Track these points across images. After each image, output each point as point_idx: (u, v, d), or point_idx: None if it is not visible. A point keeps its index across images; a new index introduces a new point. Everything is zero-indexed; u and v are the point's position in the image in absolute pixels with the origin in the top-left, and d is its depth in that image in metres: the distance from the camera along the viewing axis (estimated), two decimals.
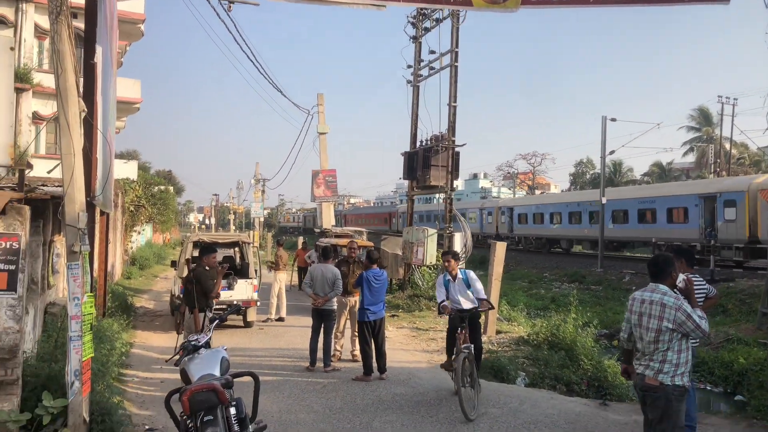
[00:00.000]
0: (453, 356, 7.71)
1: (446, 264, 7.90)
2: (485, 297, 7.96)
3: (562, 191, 65.73)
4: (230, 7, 13.27)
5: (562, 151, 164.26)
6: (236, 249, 15.88)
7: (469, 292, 7.73)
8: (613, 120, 30.36)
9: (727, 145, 45.92)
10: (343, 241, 15.91)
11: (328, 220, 28.34)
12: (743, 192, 23.18)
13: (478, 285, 7.78)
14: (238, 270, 13.83)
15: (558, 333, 10.62)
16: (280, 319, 13.76)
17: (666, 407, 4.29)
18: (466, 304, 7.70)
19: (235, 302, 11.59)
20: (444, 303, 7.77)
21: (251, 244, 15.58)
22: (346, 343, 9.94)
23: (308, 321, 9.47)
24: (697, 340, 5.68)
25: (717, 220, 24.15)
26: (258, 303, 12.65)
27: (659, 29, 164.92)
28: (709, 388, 10.83)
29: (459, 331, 7.50)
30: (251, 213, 60.03)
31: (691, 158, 53.39)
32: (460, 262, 9.02)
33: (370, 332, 8.52)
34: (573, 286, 24.80)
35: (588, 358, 9.90)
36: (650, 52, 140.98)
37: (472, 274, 7.88)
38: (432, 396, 7.66)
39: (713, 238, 24.19)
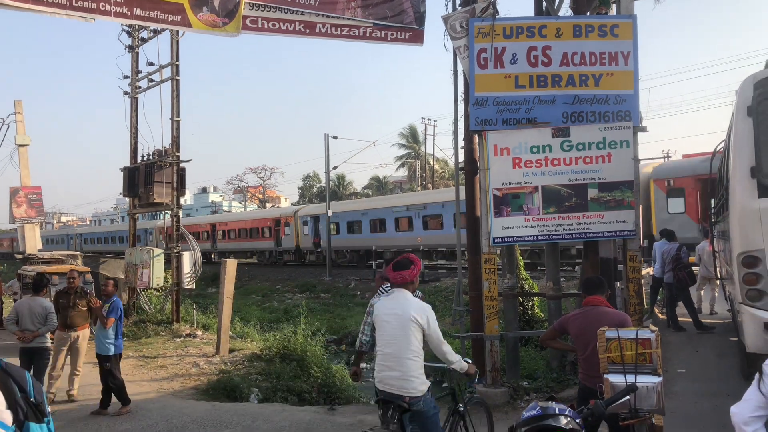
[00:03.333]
0: None
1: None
2: None
3: (292, 204, 67.81)
4: None
5: (290, 166, 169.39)
6: None
7: None
8: (335, 137, 32.53)
9: (432, 161, 52.45)
10: (53, 268, 14.30)
11: (32, 244, 24.91)
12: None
13: None
14: None
15: (289, 345, 11.00)
16: None
17: None
18: None
19: None
20: None
21: None
22: (63, 383, 8.90)
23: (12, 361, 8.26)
24: None
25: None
26: None
27: (372, 55, 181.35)
28: None
29: None
30: None
31: (403, 172, 59.56)
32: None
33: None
34: (304, 296, 25.83)
35: (318, 366, 10.46)
36: (364, 75, 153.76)
37: None
38: (162, 427, 7.30)
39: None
